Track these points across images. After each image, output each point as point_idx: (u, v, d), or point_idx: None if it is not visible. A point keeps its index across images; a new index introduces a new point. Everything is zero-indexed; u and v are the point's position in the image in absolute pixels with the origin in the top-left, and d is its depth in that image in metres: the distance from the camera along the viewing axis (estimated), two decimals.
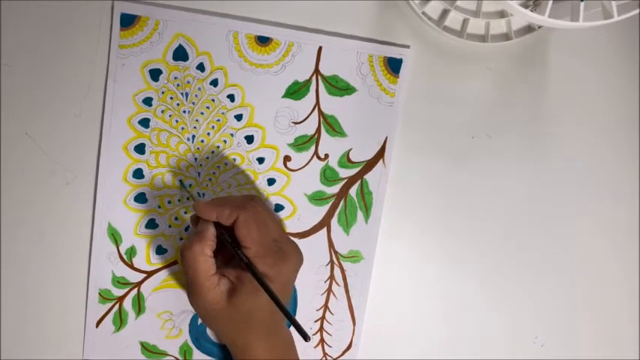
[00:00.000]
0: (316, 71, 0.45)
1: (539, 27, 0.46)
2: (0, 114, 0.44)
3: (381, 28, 0.45)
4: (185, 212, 0.45)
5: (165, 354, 0.45)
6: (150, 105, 0.44)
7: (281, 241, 0.40)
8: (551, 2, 0.35)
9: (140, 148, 0.44)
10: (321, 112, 0.45)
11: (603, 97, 0.48)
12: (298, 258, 0.41)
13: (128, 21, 0.43)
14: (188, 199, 0.45)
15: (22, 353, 0.44)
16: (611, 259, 0.48)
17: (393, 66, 0.45)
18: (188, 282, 0.39)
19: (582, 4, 0.35)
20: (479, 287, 0.47)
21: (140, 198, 0.44)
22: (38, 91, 0.44)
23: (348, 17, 0.45)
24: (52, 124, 0.44)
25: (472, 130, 0.47)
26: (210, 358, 0.46)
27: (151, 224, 0.45)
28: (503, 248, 0.47)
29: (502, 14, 0.45)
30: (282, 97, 0.45)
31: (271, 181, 0.45)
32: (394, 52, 0.45)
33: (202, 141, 0.45)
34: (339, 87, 0.45)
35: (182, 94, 0.44)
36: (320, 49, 0.45)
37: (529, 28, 0.46)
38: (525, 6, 0.37)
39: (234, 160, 0.45)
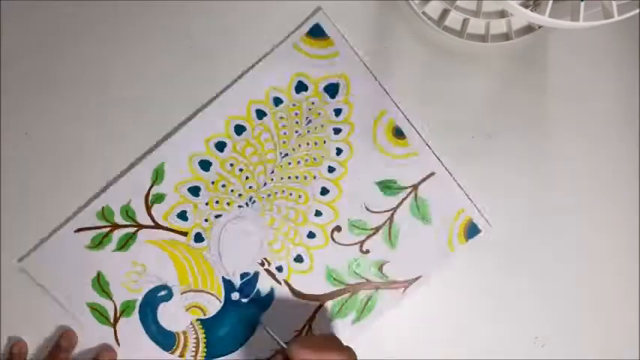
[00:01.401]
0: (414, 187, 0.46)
1: (539, 27, 0.46)
2: (0, 114, 0.44)
3: (380, 27, 0.45)
4: (228, 204, 0.45)
5: (109, 296, 0.45)
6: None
7: None
8: (551, 2, 0.35)
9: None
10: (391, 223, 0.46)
11: (603, 97, 0.48)
12: None
13: (318, 31, 0.44)
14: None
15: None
16: (611, 259, 0.48)
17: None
18: None
19: (582, 4, 0.35)
20: (479, 287, 0.47)
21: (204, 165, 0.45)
22: (38, 91, 0.44)
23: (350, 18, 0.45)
24: (52, 124, 0.44)
25: (472, 130, 0.47)
26: (144, 332, 0.45)
27: (194, 191, 0.45)
28: (502, 248, 0.47)
29: (502, 14, 0.45)
30: (375, 183, 0.46)
31: (311, 235, 0.46)
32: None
33: (289, 164, 0.45)
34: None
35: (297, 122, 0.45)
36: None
37: (529, 28, 0.46)
38: (525, 6, 0.37)
39: (300, 196, 0.46)
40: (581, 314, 0.48)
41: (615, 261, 0.48)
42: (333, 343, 0.40)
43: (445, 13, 0.45)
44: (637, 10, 0.35)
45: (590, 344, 0.49)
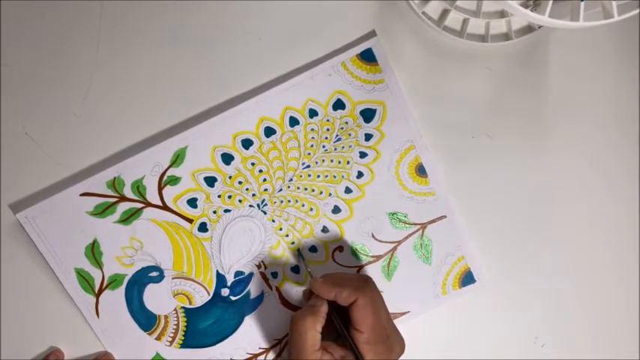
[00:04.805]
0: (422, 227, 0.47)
1: (539, 27, 0.46)
2: (0, 114, 0.44)
3: (381, 27, 0.45)
4: (240, 201, 0.45)
5: (100, 266, 0.45)
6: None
7: (389, 328, 0.41)
8: (551, 2, 0.35)
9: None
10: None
11: (603, 97, 0.48)
12: (402, 349, 0.42)
13: (369, 56, 0.45)
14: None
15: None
16: (611, 259, 0.48)
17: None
18: (292, 350, 0.41)
19: (582, 4, 0.35)
20: (479, 287, 0.47)
21: (226, 157, 0.45)
22: (38, 91, 0.44)
23: (351, 18, 0.45)
24: (52, 124, 0.44)
25: (472, 130, 0.47)
26: (126, 308, 0.45)
27: (210, 181, 0.45)
28: (502, 248, 0.47)
29: (502, 14, 0.45)
30: (387, 214, 0.46)
31: (313, 249, 0.46)
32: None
33: (309, 176, 0.46)
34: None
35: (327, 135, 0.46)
36: None
37: (529, 28, 0.46)
38: (525, 6, 0.37)
39: (311, 209, 0.46)
40: (580, 314, 0.48)
41: (615, 261, 0.48)
42: (351, 276, 0.43)
43: (445, 13, 0.45)
44: (637, 10, 0.35)
45: (590, 344, 0.49)
